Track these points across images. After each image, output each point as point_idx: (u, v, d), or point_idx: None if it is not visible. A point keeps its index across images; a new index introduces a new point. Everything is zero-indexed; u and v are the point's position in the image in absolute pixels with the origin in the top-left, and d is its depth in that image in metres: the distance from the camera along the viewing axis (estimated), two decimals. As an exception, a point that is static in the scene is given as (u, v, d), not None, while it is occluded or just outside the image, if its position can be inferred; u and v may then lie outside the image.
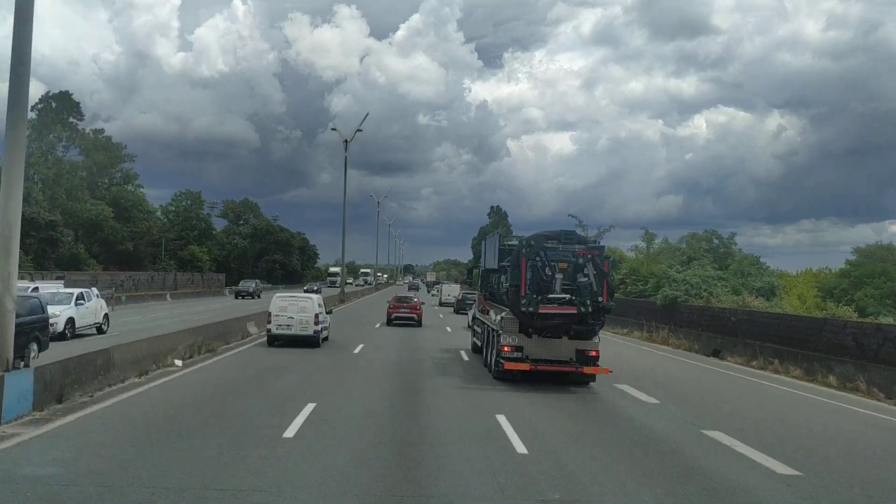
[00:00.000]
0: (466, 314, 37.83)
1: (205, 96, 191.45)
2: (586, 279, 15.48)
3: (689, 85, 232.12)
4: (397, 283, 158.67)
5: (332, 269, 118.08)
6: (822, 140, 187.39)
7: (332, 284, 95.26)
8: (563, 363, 16.13)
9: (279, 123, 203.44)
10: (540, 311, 15.37)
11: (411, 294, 45.99)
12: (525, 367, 15.81)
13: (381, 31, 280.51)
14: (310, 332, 22.62)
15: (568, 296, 15.43)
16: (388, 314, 35.72)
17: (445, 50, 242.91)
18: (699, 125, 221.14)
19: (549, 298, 15.40)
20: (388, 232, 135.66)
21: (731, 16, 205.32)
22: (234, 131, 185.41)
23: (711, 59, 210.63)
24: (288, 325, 22.61)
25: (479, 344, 21.39)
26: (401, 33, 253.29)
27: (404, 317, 35.35)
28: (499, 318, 16.98)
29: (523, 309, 15.38)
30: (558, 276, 15.49)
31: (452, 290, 59.13)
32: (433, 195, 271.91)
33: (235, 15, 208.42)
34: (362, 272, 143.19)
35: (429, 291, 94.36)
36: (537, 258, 15.46)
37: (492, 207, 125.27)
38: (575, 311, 15.42)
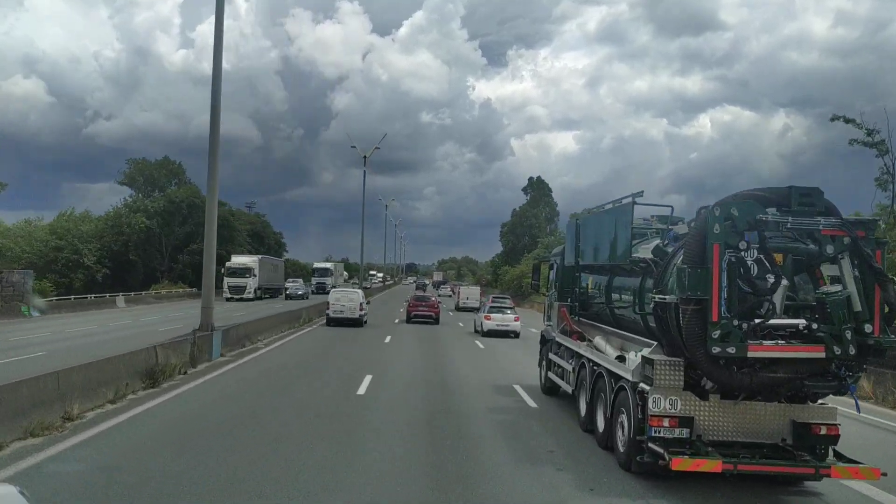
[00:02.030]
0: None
1: (206, 94, 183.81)
2: (840, 288, 7.61)
3: (693, 84, 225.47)
4: (403, 283, 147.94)
5: (231, 264, 56.34)
6: (828, 139, 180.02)
7: (236, 293, 52.60)
8: (777, 454, 8.24)
9: (281, 122, 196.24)
10: (750, 352, 7.50)
11: (428, 294, 47.06)
12: (714, 466, 7.80)
13: (383, 27, 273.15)
14: (356, 316, 31.32)
15: (802, 321, 7.56)
16: (408, 312, 36.85)
17: (449, 47, 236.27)
18: (704, 124, 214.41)
19: (768, 327, 7.53)
20: (383, 216, 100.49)
21: (738, 11, 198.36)
22: (235, 129, 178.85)
23: (717, 57, 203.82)
24: (341, 311, 31.25)
25: (561, 384, 13.51)
26: (404, 30, 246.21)
27: (423, 315, 35.88)
28: (637, 358, 9.09)
29: (717, 350, 7.49)
30: (783, 282, 7.63)
31: (472, 293, 51.63)
32: (436, 195, 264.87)
33: (237, 12, 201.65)
34: (317, 268, 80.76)
35: (420, 289, 79.10)
36: (740, 245, 7.61)
37: (530, 179, 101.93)
38: (822, 354, 7.55)
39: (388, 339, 27.43)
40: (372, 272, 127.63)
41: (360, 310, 31.78)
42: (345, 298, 32.19)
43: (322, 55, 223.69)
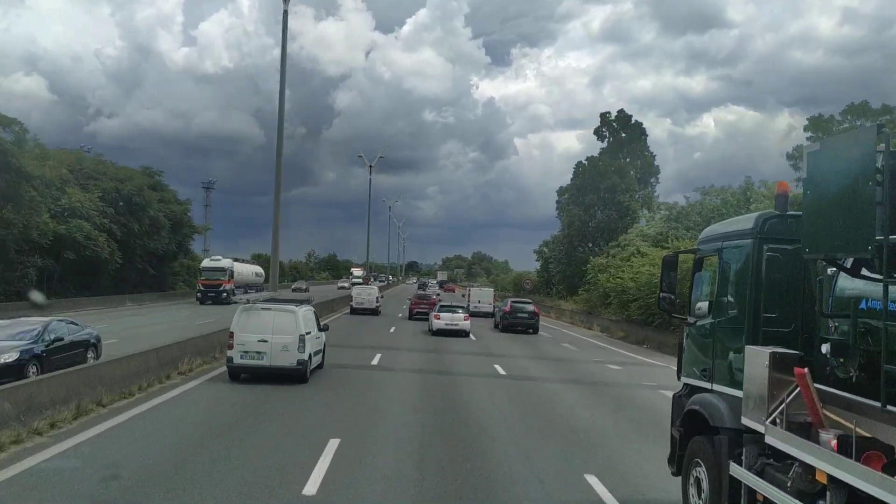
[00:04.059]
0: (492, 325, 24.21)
1: (209, 92, 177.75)
2: None
3: (697, 83, 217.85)
4: (407, 282, 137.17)
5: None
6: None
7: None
8: None
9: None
10: None
11: (429, 293, 51.67)
12: None
13: (386, 25, 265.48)
14: (373, 307, 40.68)
15: None
16: (410, 309, 40.11)
17: (452, 45, 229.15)
18: (708, 124, 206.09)
19: None
20: (381, 205, 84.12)
21: (745, 8, 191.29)
22: (238, 128, 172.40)
23: (722, 56, 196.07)
24: (361, 303, 40.68)
25: None
26: (407, 28, 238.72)
27: (424, 312, 37.58)
28: None
29: None
30: None
31: (484, 296, 43.48)
32: (439, 194, 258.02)
33: (240, 10, 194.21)
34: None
35: (422, 289, 69.31)
36: None
37: (603, 116, 62.45)
38: None
39: (376, 358, 19.26)
40: (354, 269, 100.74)
41: (376, 302, 41.14)
42: (364, 293, 41.68)
43: (324, 53, 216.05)
